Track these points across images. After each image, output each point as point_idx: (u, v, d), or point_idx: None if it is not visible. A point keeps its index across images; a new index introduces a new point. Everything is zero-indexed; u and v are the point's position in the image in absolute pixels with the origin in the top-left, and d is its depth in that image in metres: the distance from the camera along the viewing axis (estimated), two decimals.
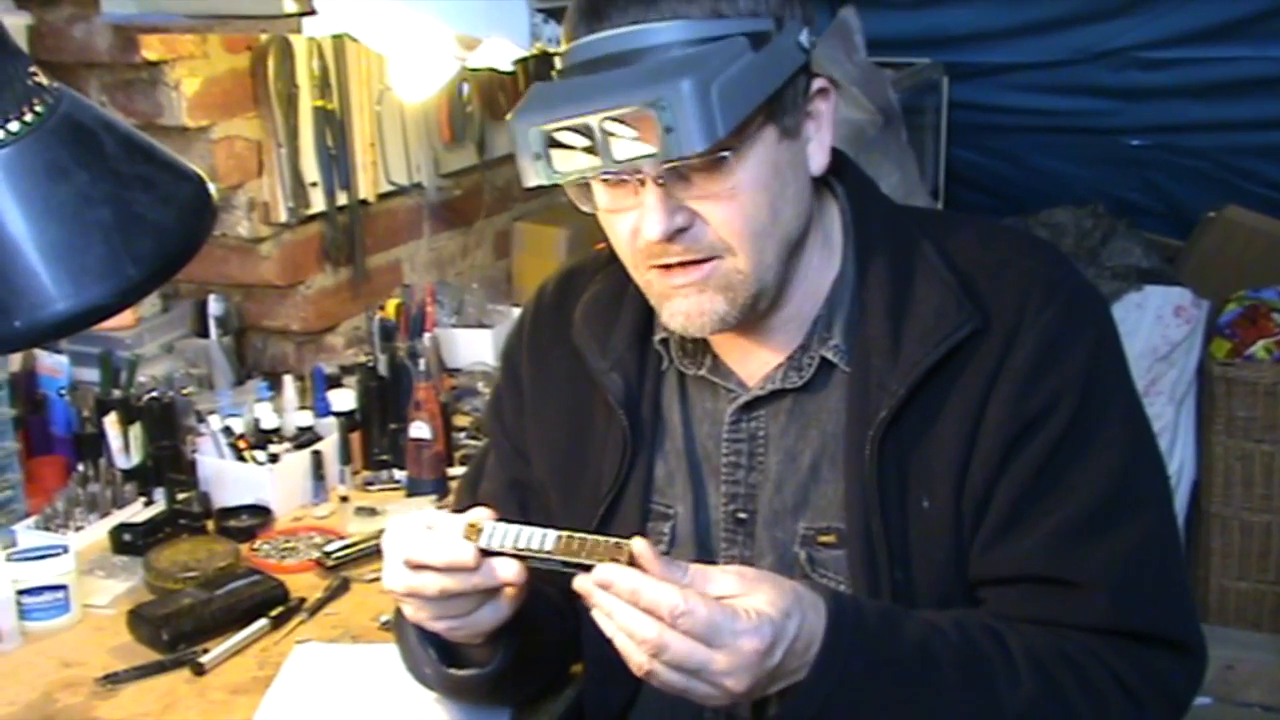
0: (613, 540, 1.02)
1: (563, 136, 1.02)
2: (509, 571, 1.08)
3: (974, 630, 1.09)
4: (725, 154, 1.04)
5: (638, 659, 0.98)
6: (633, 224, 1.09)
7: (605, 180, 1.09)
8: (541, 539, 1.06)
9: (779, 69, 1.06)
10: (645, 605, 0.96)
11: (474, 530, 1.08)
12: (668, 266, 1.10)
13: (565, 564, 1.04)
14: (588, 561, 1.02)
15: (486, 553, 1.08)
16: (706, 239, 1.08)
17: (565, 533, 1.05)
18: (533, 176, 1.05)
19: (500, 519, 1.10)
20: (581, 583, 1.00)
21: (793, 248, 1.14)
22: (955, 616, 1.11)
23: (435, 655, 1.22)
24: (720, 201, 1.07)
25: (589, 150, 1.01)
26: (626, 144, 1.00)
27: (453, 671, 1.22)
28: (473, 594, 1.10)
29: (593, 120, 1.00)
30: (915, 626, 1.08)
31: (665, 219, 1.05)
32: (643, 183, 1.06)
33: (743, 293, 1.11)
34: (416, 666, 1.27)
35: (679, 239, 1.07)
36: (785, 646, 0.99)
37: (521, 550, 1.07)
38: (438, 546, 1.08)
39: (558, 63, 1.12)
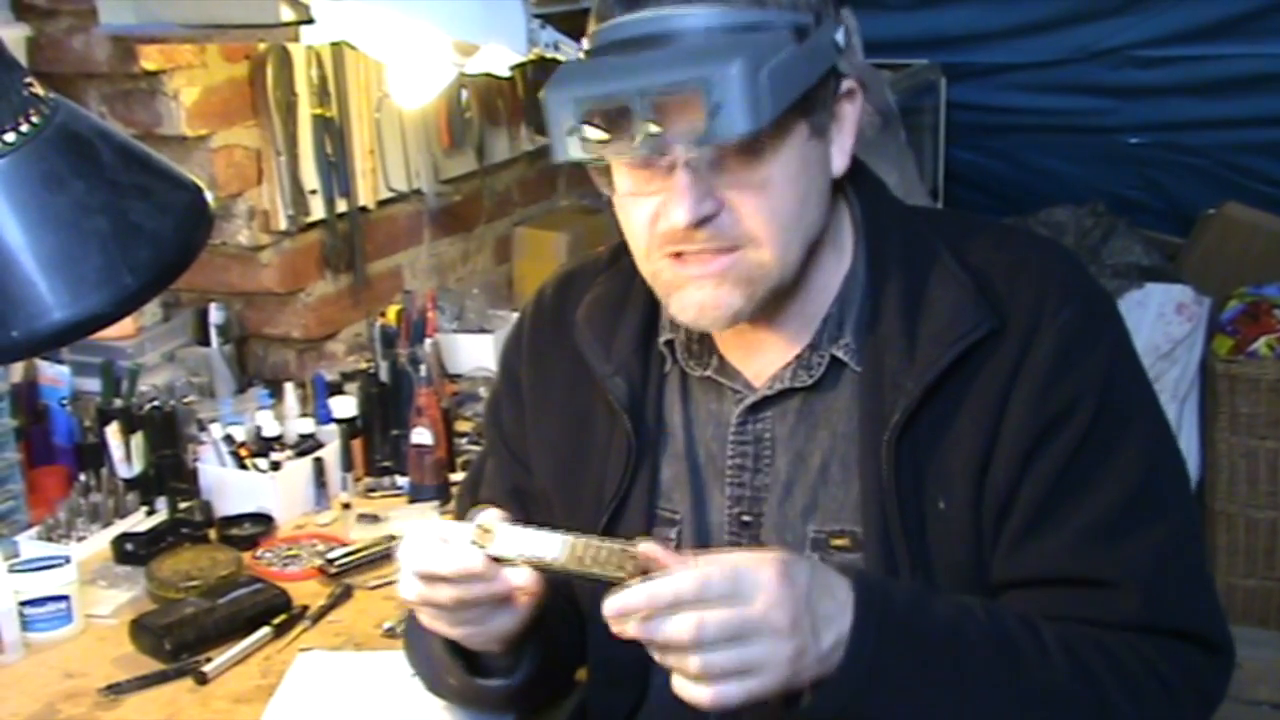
0: (620, 546, 1.01)
1: (600, 113, 1.01)
2: (521, 579, 1.08)
3: (1004, 614, 1.08)
4: (762, 142, 1.03)
5: (691, 672, 0.95)
6: (653, 210, 1.08)
7: (631, 163, 1.08)
8: (549, 547, 1.05)
9: (816, 64, 1.06)
10: (668, 601, 0.94)
11: (485, 533, 1.07)
12: (681, 255, 1.08)
13: (572, 575, 1.04)
14: (597, 572, 1.01)
15: (497, 559, 1.07)
16: (731, 229, 1.07)
17: (574, 538, 1.04)
18: (567, 151, 1.03)
19: (513, 520, 1.09)
20: (613, 626, 0.97)
21: (812, 246, 1.13)
22: (983, 601, 1.09)
23: (463, 666, 1.20)
24: (751, 191, 1.06)
25: (624, 128, 1.00)
26: (667, 122, 0.99)
27: (480, 682, 1.21)
28: (487, 601, 1.10)
29: (635, 98, 0.98)
30: (945, 606, 1.06)
31: (695, 204, 1.04)
32: (672, 167, 1.04)
33: (762, 287, 1.09)
34: (437, 676, 1.25)
35: (704, 227, 1.06)
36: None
37: (530, 560, 1.06)
38: (449, 557, 1.07)
39: (585, 43, 1.10)
